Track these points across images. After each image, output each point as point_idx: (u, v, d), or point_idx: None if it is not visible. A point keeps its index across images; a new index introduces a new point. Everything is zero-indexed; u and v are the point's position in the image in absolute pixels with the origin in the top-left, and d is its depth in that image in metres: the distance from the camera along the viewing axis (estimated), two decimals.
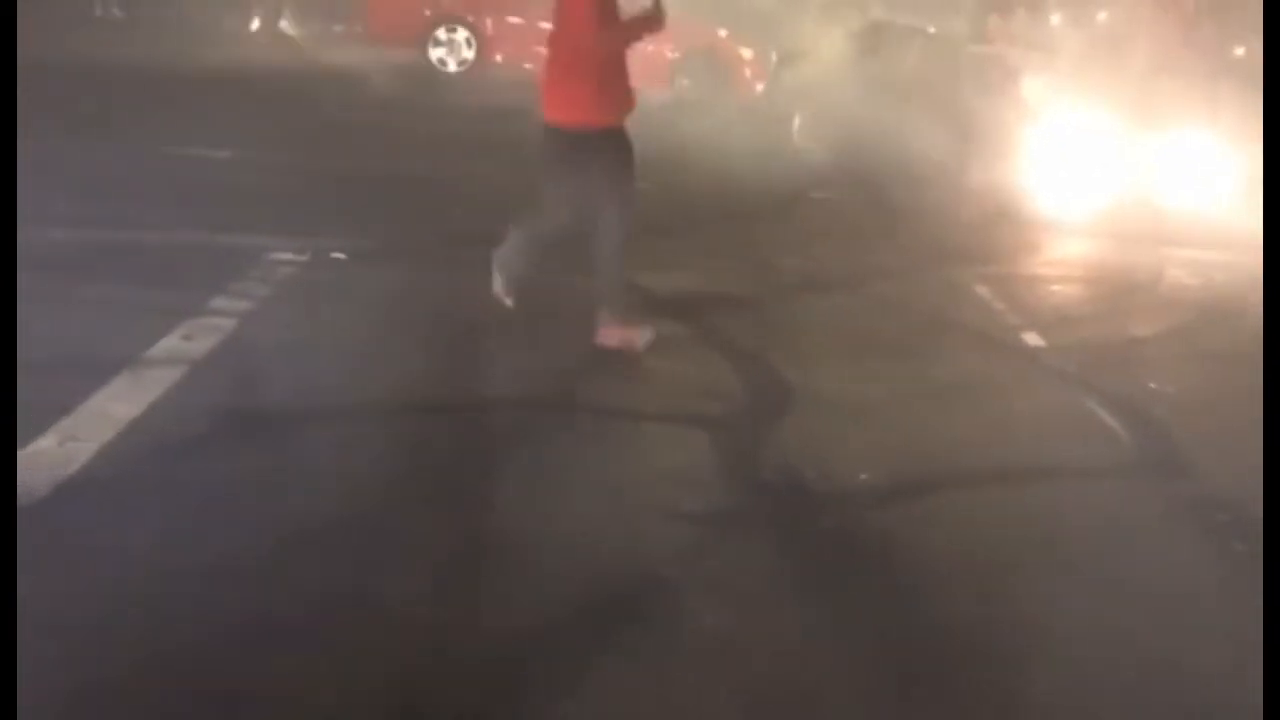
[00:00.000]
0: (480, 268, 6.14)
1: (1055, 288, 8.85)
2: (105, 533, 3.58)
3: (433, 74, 16.77)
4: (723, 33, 16.80)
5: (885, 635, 3.54)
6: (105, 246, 6.56)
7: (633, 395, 5.30)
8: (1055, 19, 14.04)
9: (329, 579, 3.47)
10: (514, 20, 16.73)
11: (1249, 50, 13.79)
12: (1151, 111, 11.92)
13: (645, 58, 16.95)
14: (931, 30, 13.91)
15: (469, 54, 17.14)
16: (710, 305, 6.81)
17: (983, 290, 7.99)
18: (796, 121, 13.69)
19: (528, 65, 16.11)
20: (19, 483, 3.63)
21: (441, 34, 17.14)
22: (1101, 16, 14.19)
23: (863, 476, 4.71)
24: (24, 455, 3.89)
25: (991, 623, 3.68)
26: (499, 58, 16.86)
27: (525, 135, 11.29)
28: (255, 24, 20.08)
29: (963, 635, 3.58)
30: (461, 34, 17.13)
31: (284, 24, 20.27)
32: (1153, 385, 6.26)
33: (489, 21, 16.99)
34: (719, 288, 7.32)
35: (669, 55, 17.07)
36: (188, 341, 5.22)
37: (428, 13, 17.06)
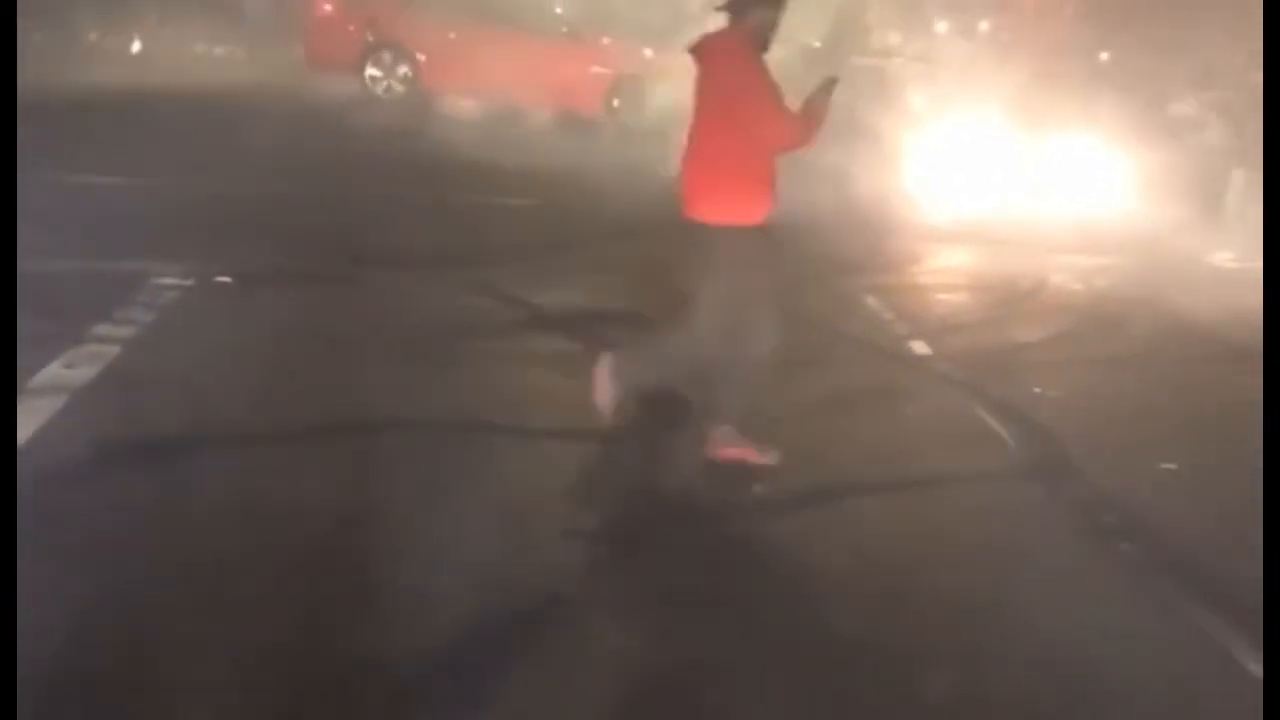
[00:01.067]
0: (372, 288, 6.09)
1: (941, 296, 9.01)
2: None
3: (364, 99, 16.68)
4: (649, 53, 16.94)
5: (785, 644, 3.56)
6: None
7: (525, 412, 5.29)
8: (941, 27, 14.29)
9: (214, 610, 3.41)
10: (452, 50, 16.77)
11: (1113, 55, 14.14)
12: (1033, 118, 12.18)
13: (582, 81, 17.14)
14: (816, 44, 14.09)
15: (403, 81, 17.16)
16: (598, 321, 6.82)
17: (871, 300, 8.10)
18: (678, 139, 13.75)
19: (462, 92, 16.17)
20: None
21: (383, 59, 17.16)
22: (984, 26, 14.47)
23: (757, 488, 4.75)
24: None
25: (889, 626, 3.73)
26: (435, 84, 16.90)
27: (419, 156, 11.29)
28: (137, 45, 19.81)
29: (861, 640, 3.62)
30: (397, 61, 17.14)
31: (137, 46, 19.96)
32: (1038, 390, 6.39)
33: (426, 49, 17.01)
34: (606, 303, 7.33)
35: (604, 78, 17.25)
36: (70, 369, 5.11)
37: (369, 38, 17.05)
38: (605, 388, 5.01)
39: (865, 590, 3.97)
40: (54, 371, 5.06)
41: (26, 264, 6.67)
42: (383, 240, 8.48)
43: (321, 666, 3.19)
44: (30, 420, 4.50)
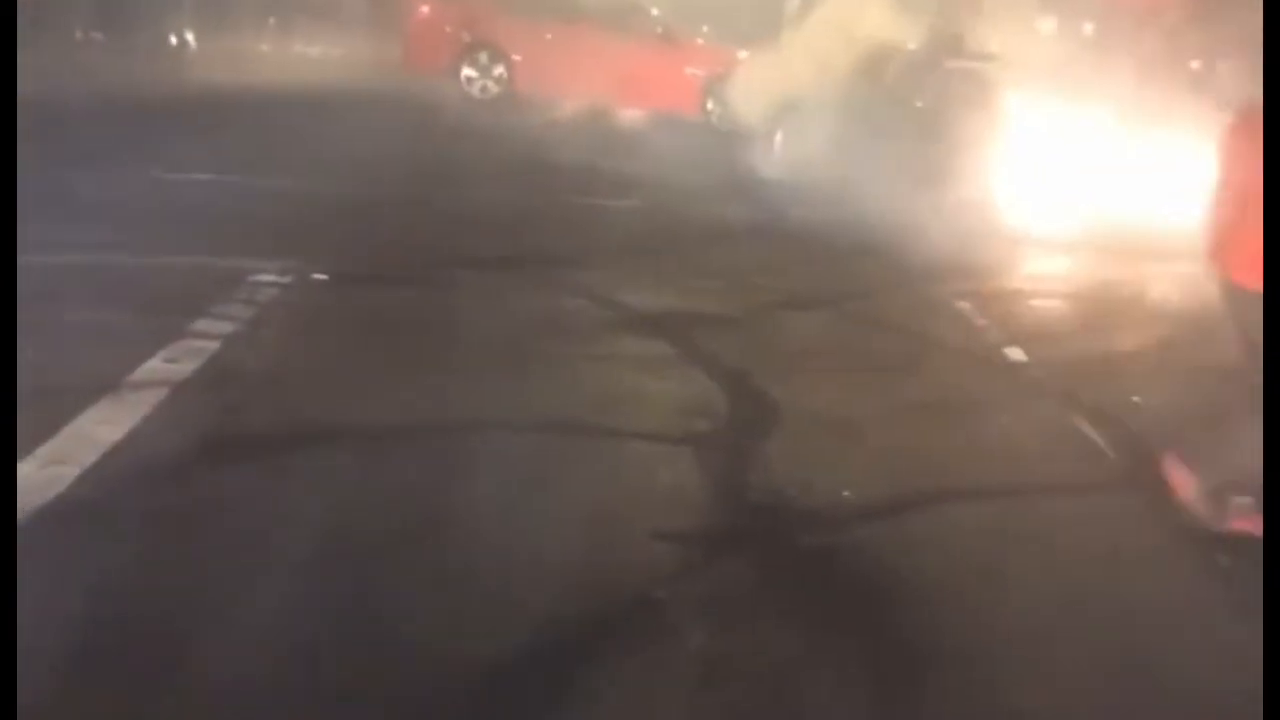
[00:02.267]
0: (467, 289, 6.13)
1: (1037, 303, 8.89)
2: (87, 558, 3.55)
3: (460, 99, 16.83)
4: (743, 55, 16.96)
5: (871, 653, 3.53)
6: (87, 271, 6.54)
7: (618, 414, 5.29)
8: (1044, 27, 14.09)
9: (312, 605, 3.45)
10: (547, 51, 16.94)
11: (1212, 62, 13.87)
12: (1134, 124, 11.99)
13: (675, 83, 17.21)
14: (911, 46, 13.97)
15: (498, 82, 17.35)
16: (693, 323, 6.82)
17: (964, 306, 8.02)
18: (778, 138, 13.75)
19: (557, 93, 16.30)
20: None
21: (479, 60, 17.37)
22: (1088, 28, 14.24)
23: (847, 494, 4.71)
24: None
25: (978, 639, 3.68)
26: (530, 86, 17.06)
27: (513, 157, 11.37)
28: (233, 45, 20.14)
29: (949, 653, 3.58)
30: (493, 61, 17.34)
31: (265, 46, 20.33)
32: (1136, 399, 6.28)
33: (522, 50, 17.19)
34: (701, 306, 7.33)
35: (698, 79, 17.31)
36: (171, 364, 5.20)
37: (466, 39, 17.27)
38: (1185, 480, 4.75)
39: (958, 600, 3.92)
40: (154, 366, 5.15)
41: (128, 259, 6.88)
42: (477, 240, 8.54)
43: (406, 664, 3.20)
44: (131, 414, 4.59)
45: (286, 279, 6.73)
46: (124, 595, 3.37)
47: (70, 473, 4.03)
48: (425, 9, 17.65)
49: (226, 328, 5.78)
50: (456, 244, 8.25)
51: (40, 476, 3.98)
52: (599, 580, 3.76)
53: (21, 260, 6.46)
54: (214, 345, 5.50)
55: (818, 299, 7.84)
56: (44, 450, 4.17)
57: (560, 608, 3.55)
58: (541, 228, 9.36)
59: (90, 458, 4.17)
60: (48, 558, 3.50)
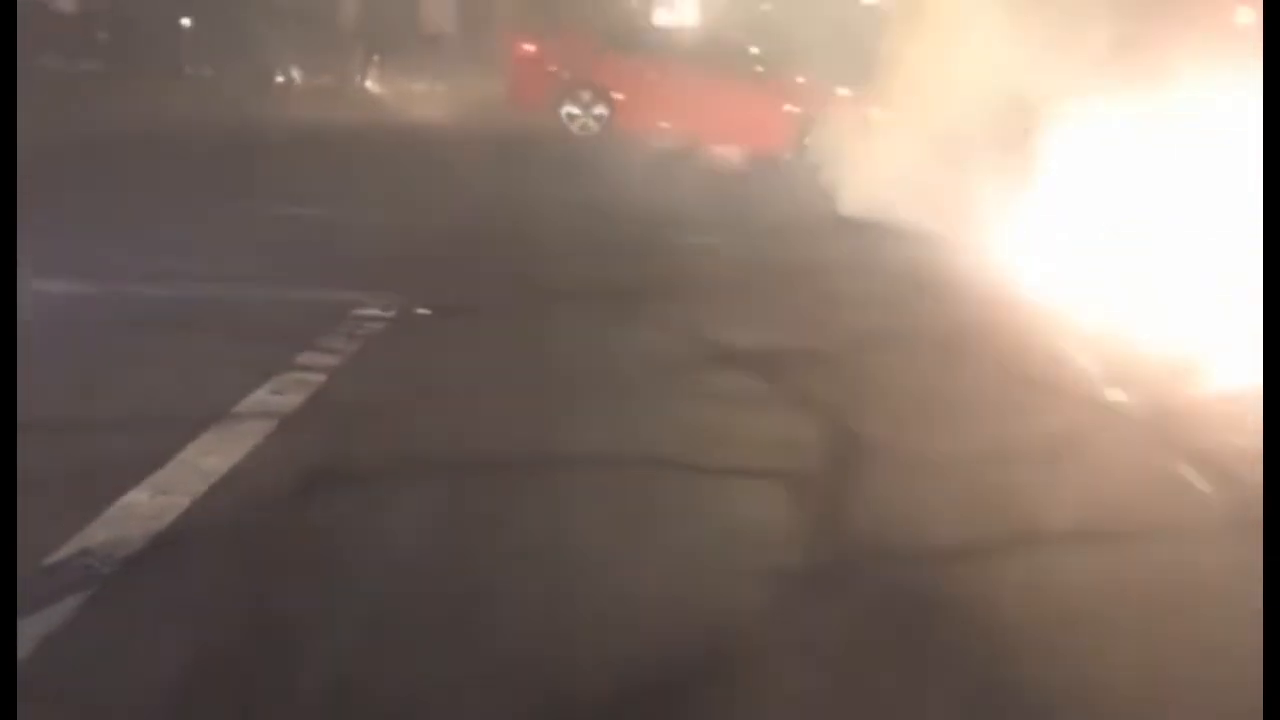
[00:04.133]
0: (564, 323, 6.20)
1: (1138, 340, 8.76)
2: (197, 586, 3.64)
3: (562, 136, 17.05)
4: (843, 92, 16.97)
5: (973, 696, 3.51)
6: (195, 302, 6.71)
7: (711, 451, 5.30)
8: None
9: (409, 636, 3.49)
10: (648, 89, 17.12)
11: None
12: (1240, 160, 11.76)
13: (774, 120, 17.28)
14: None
15: (599, 120, 17.56)
16: (785, 360, 6.82)
17: (1063, 344, 7.93)
18: (870, 175, 13.70)
19: (657, 130, 16.45)
20: (113, 535, 3.74)
21: (581, 97, 17.61)
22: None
23: (944, 535, 4.69)
24: (117, 508, 3.99)
25: (1080, 684, 3.64)
26: (631, 124, 17.25)
27: (612, 193, 11.45)
28: (339, 82, 20.53)
29: (1048, 698, 3.54)
30: (594, 99, 17.56)
31: (368, 82, 20.72)
32: (1240, 443, 6.17)
33: (623, 88, 17.39)
34: (793, 342, 7.32)
35: (795, 117, 17.36)
36: (277, 396, 5.31)
37: (568, 76, 17.52)
38: None
39: (1056, 645, 3.88)
40: (261, 397, 5.27)
41: (237, 293, 7.04)
42: (575, 275, 8.62)
43: (504, 697, 3.24)
44: (239, 444, 4.70)
45: (390, 313, 6.85)
46: (232, 623, 3.44)
47: (180, 502, 4.13)
48: (530, 47, 17.94)
49: (332, 360, 5.89)
50: (554, 278, 8.34)
51: (151, 505, 4.09)
52: (693, 617, 3.77)
53: (130, 290, 6.71)
54: (320, 378, 5.61)
55: (911, 335, 7.80)
56: (154, 479, 4.29)
57: (653, 645, 3.57)
58: (638, 263, 9.42)
59: (199, 487, 4.27)
60: (159, 586, 3.59)
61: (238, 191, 10.22)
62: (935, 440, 5.71)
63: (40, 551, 3.58)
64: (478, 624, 3.58)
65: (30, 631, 3.13)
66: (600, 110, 17.36)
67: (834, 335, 7.65)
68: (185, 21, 20.18)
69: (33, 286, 6.86)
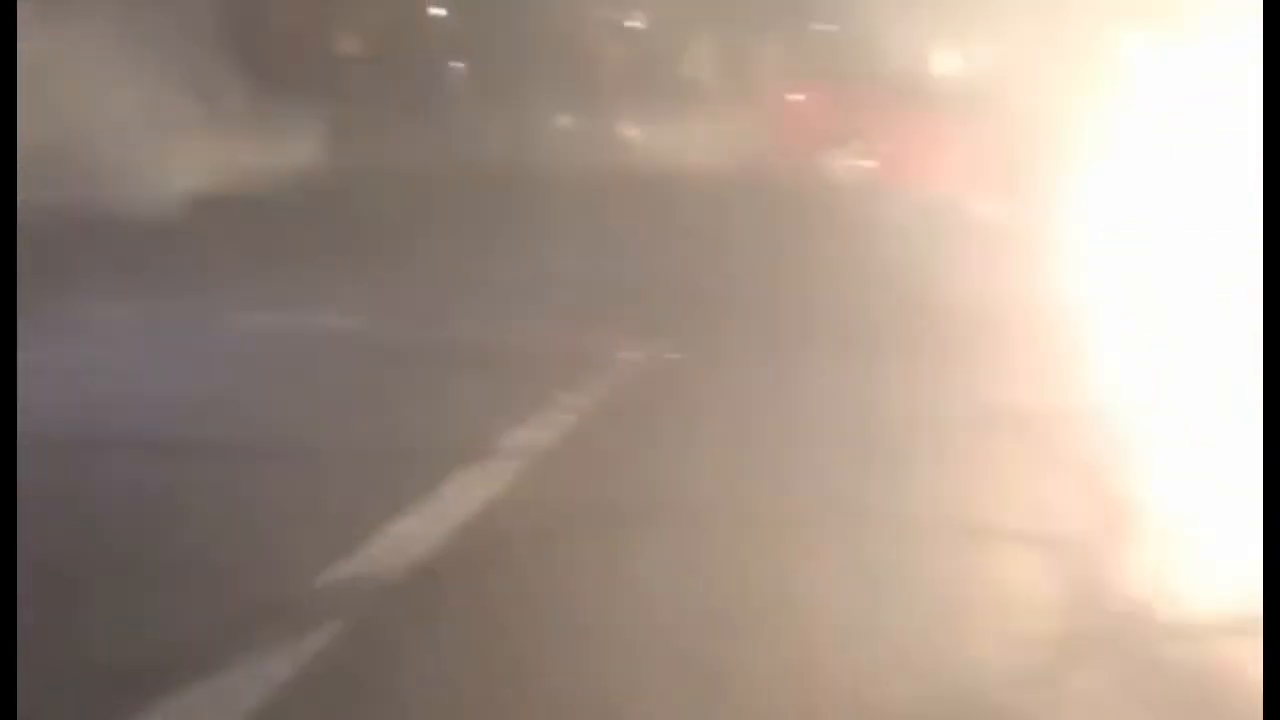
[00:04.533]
0: (820, 373, 6.13)
1: None
2: (452, 619, 3.71)
3: (826, 187, 17.13)
4: None
5: None
6: (461, 340, 6.92)
7: (969, 510, 5.17)
8: None
9: (651, 684, 3.46)
10: (916, 142, 17.05)
11: None
12: None
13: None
14: None
15: (865, 171, 17.61)
16: (1043, 418, 6.60)
17: None
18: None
19: (925, 181, 16.36)
20: (380, 561, 3.87)
21: (848, 148, 17.69)
22: None
23: (1212, 605, 4.46)
24: (385, 536, 4.12)
25: None
26: (898, 175, 17.22)
27: (877, 242, 11.37)
28: (610, 129, 20.99)
29: None
30: (861, 148, 17.60)
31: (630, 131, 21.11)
32: None
33: (892, 139, 17.37)
34: (1050, 399, 7.08)
35: None
36: (534, 433, 5.42)
37: (836, 126, 17.60)
38: None
39: None
40: (520, 435, 5.38)
41: (497, 333, 7.23)
42: (835, 325, 8.56)
43: None
44: (498, 480, 4.81)
45: (644, 356, 6.92)
46: (491, 657, 3.49)
47: (438, 534, 4.24)
48: (799, 96, 18.01)
49: (586, 401, 5.98)
50: (815, 328, 8.29)
51: (411, 536, 4.20)
52: (950, 681, 3.67)
53: (398, 327, 6.97)
54: (574, 418, 5.70)
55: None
56: (415, 510, 4.41)
57: (909, 708, 3.49)
58: (902, 317, 9.27)
59: (457, 521, 4.37)
60: (417, 615, 3.69)
61: (496, 235, 10.55)
62: (1205, 504, 5.42)
63: (307, 577, 3.72)
64: (722, 676, 3.54)
65: (293, 654, 3.24)
66: (868, 161, 17.28)
67: (1091, 391, 7.36)
68: (457, 65, 20.97)
69: (311, 320, 7.23)
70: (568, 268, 9.63)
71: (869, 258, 11.65)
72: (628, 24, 23.52)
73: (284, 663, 3.16)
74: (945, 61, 18.93)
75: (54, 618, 3.33)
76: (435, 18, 22.04)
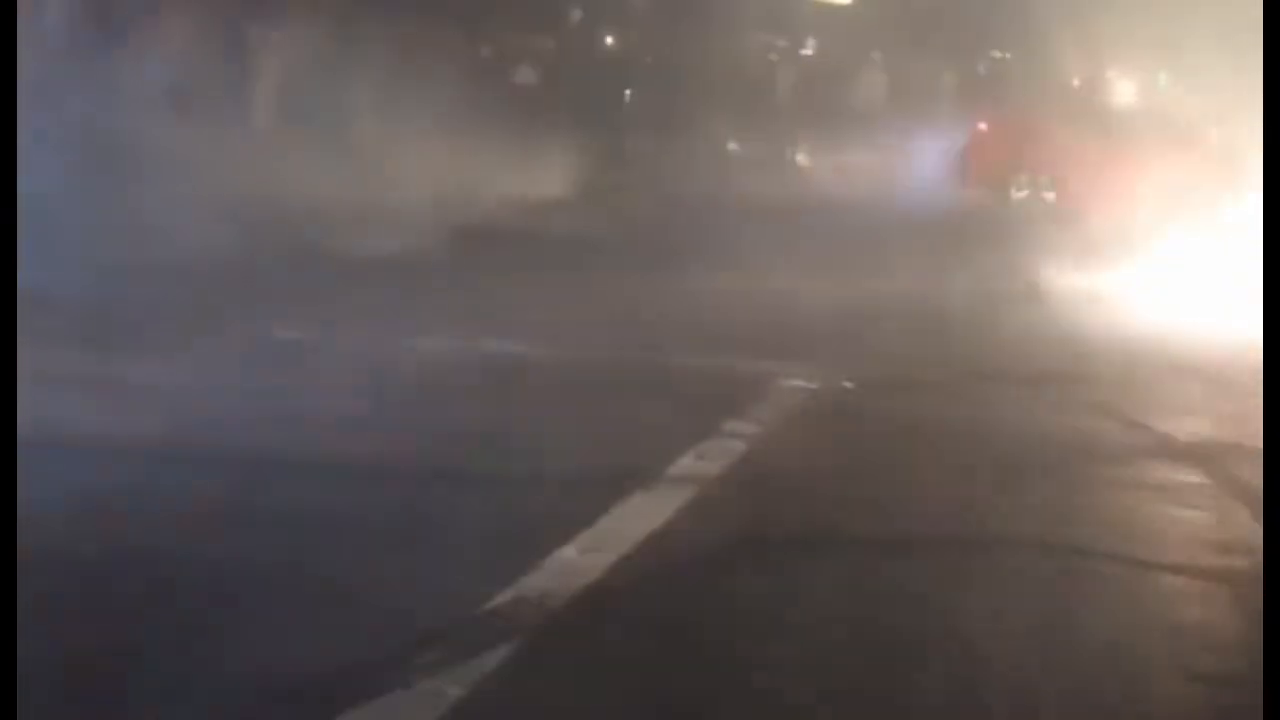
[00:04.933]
0: (990, 402, 6.08)
1: None
2: (618, 645, 3.73)
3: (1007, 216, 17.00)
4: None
5: None
6: (631, 367, 6.97)
7: (1146, 544, 5.04)
8: None
9: (833, 716, 3.44)
10: (1097, 169, 16.86)
11: None
12: None
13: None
14: None
15: (1047, 200, 17.46)
16: (1231, 452, 6.40)
17: None
18: None
19: (1105, 211, 16.08)
20: (544, 587, 3.91)
21: (1027, 178, 17.62)
22: None
23: None
24: (549, 562, 4.17)
25: None
26: (1079, 203, 17.04)
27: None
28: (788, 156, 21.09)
29: None
30: (1043, 180, 17.48)
31: (800, 156, 21.15)
32: None
33: (1071, 169, 17.21)
34: (1239, 434, 6.85)
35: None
36: (701, 461, 5.44)
37: (1018, 157, 17.54)
38: None
39: None
40: (688, 463, 5.40)
41: (665, 358, 7.27)
42: (1002, 355, 8.43)
43: None
44: (664, 508, 4.83)
45: (814, 384, 6.90)
46: (641, 685, 3.50)
47: (606, 560, 4.28)
48: (983, 126, 17.95)
49: (754, 429, 5.98)
50: (983, 357, 8.17)
51: (579, 562, 4.25)
52: (1123, 717, 3.58)
53: (560, 355, 7.07)
54: (743, 446, 5.70)
55: None
56: (583, 536, 4.45)
57: None
58: (1076, 347, 9.09)
59: (624, 548, 4.40)
60: (582, 640, 3.71)
61: (660, 265, 10.66)
62: None
63: (476, 599, 3.78)
64: (890, 709, 3.50)
65: (463, 676, 3.29)
66: (1048, 193, 17.11)
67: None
68: (627, 93, 21.25)
69: (482, 347, 7.37)
70: (743, 295, 9.66)
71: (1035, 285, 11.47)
72: (802, 52, 23.59)
73: (453, 685, 3.22)
74: (1129, 91, 18.58)
75: (222, 635, 3.45)
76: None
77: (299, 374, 6.72)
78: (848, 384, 7.03)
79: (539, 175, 16.09)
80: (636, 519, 4.69)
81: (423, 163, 13.96)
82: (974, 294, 10.83)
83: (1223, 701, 3.76)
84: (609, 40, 23.26)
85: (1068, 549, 4.89)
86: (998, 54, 19.78)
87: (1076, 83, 18.00)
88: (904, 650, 3.85)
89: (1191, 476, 5.93)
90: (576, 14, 23.20)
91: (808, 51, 23.95)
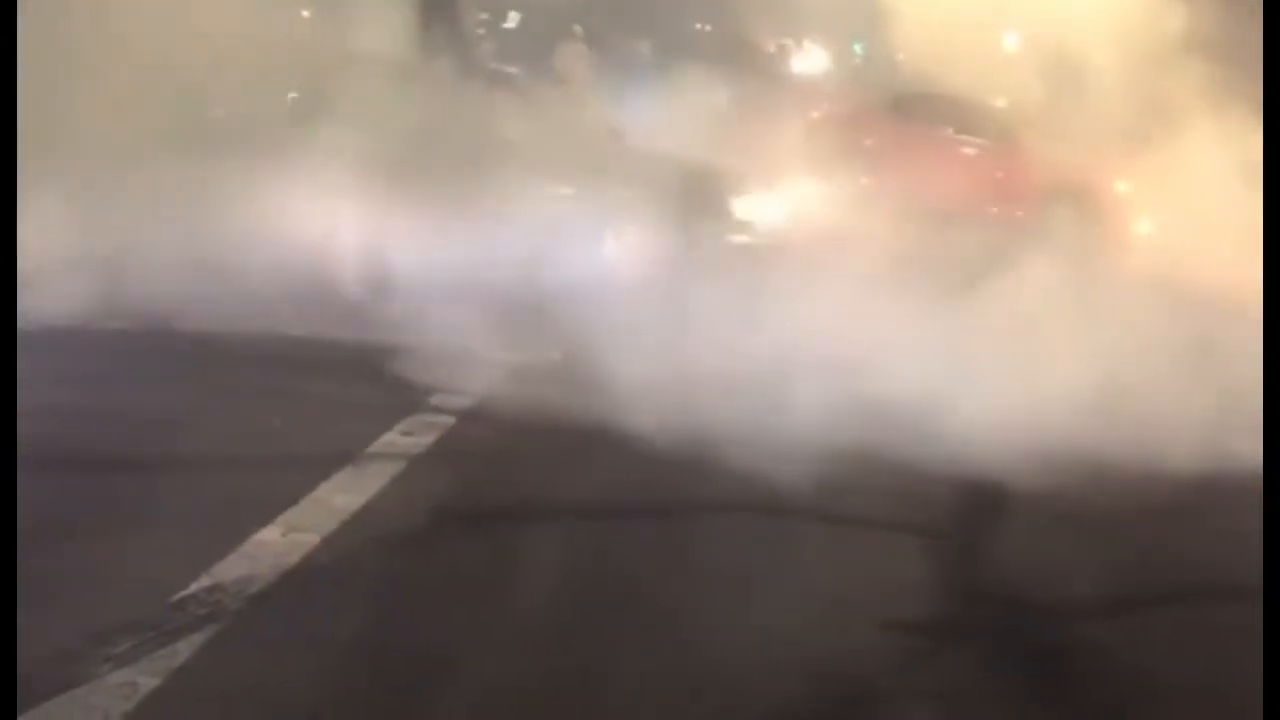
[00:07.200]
0: None
1: None
2: (324, 621, 3.64)
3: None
4: None
5: None
6: (328, 346, 6.83)
7: (843, 502, 5.18)
8: None
9: (532, 681, 3.43)
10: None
11: None
12: None
13: None
14: None
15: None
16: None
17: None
18: None
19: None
20: (244, 571, 3.78)
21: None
22: None
23: (1080, 589, 4.52)
24: (250, 545, 4.03)
25: None
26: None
27: None
28: None
29: None
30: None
31: None
32: None
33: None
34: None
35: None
36: (407, 437, 5.36)
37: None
38: None
39: (1188, 704, 3.70)
40: (392, 439, 5.32)
41: (363, 336, 7.09)
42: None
43: None
44: (369, 484, 4.75)
45: (522, 357, 6.86)
46: (359, 654, 3.43)
47: (311, 540, 4.16)
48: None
49: (462, 402, 5.94)
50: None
51: (283, 543, 4.12)
52: (826, 667, 3.68)
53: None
54: (449, 420, 5.66)
55: None
56: (286, 517, 4.33)
57: (787, 694, 3.49)
58: None
59: (330, 526, 4.30)
60: (286, 621, 3.61)
61: None
62: (1072, 492, 5.46)
63: (170, 587, 3.62)
64: (598, 673, 3.51)
65: (157, 665, 3.16)
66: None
67: None
68: None
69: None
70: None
71: None
72: None
73: (146, 675, 3.08)
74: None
75: None
76: None
77: None
78: (555, 355, 7.01)
79: None
80: (341, 496, 4.58)
81: None
82: None
83: (915, 646, 3.91)
84: None
85: (768, 511, 5.00)
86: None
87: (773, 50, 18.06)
88: (613, 616, 3.88)
89: None
90: None
91: None
